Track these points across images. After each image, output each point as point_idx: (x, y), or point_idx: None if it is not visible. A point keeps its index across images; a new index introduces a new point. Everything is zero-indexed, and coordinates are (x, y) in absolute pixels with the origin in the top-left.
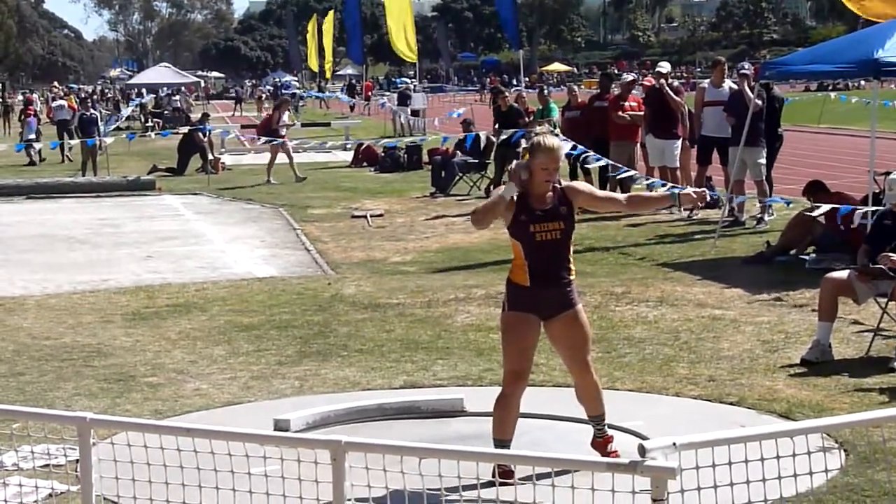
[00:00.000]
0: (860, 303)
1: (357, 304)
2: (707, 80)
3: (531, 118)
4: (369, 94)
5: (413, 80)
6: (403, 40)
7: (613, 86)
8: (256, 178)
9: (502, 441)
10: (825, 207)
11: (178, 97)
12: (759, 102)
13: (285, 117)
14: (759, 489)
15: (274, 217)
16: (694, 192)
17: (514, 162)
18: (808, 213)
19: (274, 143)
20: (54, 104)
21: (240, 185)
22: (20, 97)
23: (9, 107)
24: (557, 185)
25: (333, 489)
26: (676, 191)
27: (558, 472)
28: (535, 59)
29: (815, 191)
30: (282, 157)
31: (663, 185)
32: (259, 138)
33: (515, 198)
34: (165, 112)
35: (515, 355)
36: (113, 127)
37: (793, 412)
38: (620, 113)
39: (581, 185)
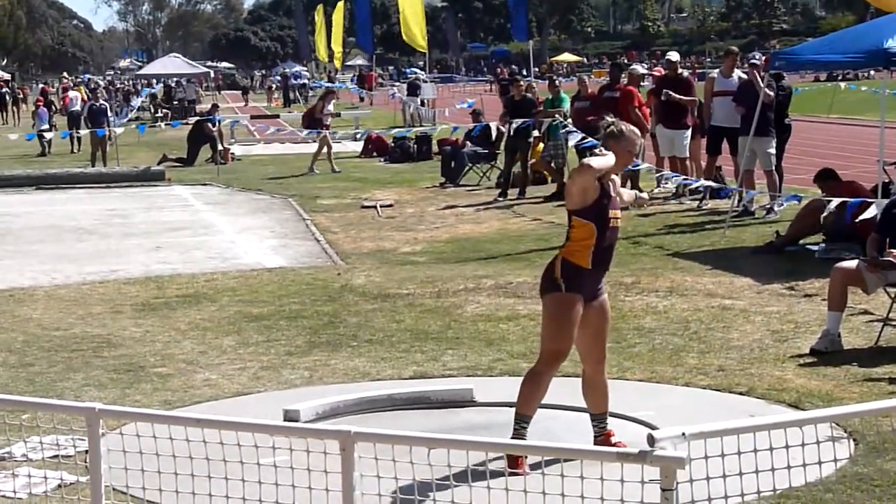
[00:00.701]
0: (870, 292)
1: (367, 295)
2: (717, 70)
3: (541, 108)
4: (372, 85)
5: (422, 70)
6: (416, 29)
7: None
8: (266, 169)
9: (526, 417)
10: (836, 201)
11: (181, 87)
12: (771, 93)
13: (330, 107)
14: (768, 479)
15: (283, 207)
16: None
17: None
18: (819, 201)
19: (318, 133)
20: (70, 94)
21: (249, 176)
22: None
23: (17, 97)
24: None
25: (343, 479)
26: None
27: (567, 461)
28: (545, 50)
29: (826, 178)
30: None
31: (675, 177)
32: (303, 129)
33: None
34: (174, 102)
35: (566, 335)
36: (125, 119)
37: (802, 402)
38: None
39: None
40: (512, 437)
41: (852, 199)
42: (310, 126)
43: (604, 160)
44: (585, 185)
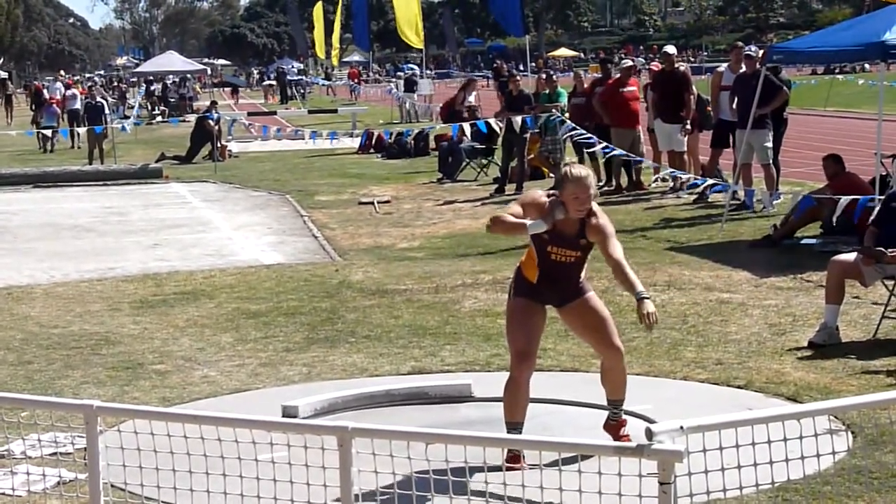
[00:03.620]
0: (867, 285)
1: (365, 291)
2: (725, 65)
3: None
4: (354, 80)
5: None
6: (407, 26)
7: (614, 70)
8: (263, 166)
9: (514, 424)
10: (844, 200)
11: (185, 84)
12: (787, 90)
13: (471, 98)
14: (766, 472)
15: (281, 204)
16: (649, 313)
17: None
18: (816, 196)
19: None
20: (68, 93)
21: (247, 173)
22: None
23: (10, 95)
24: (588, 217)
25: (340, 475)
26: (644, 297)
27: (566, 456)
28: (542, 45)
29: (833, 163)
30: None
31: (672, 174)
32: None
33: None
34: (171, 100)
35: (519, 335)
36: (121, 117)
37: (800, 395)
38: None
39: (607, 228)
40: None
41: (857, 197)
42: (449, 119)
43: (517, 221)
44: (507, 234)
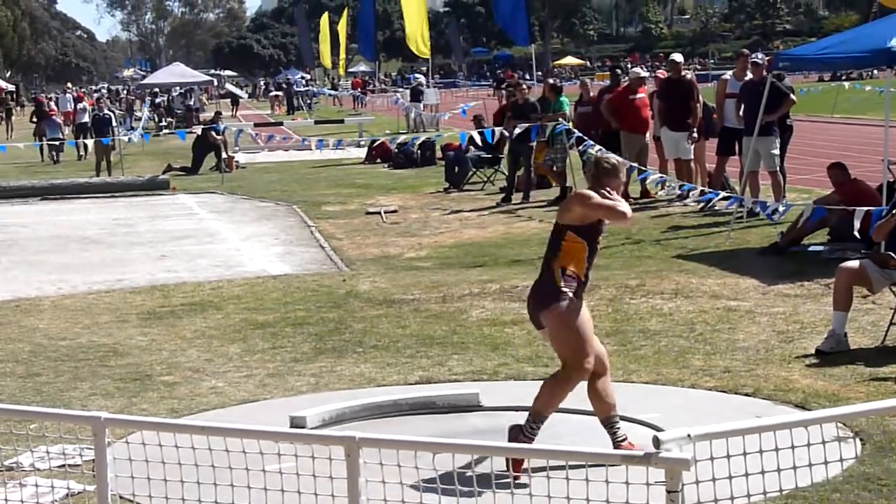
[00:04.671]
0: (875, 292)
1: (372, 301)
2: (730, 72)
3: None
4: (358, 90)
5: (425, 75)
6: (418, 36)
7: (624, 79)
8: (270, 177)
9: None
10: (860, 212)
11: (191, 95)
12: (794, 98)
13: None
14: (774, 479)
15: (288, 214)
16: None
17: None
18: (822, 204)
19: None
20: (78, 106)
21: (253, 183)
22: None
23: (11, 109)
24: None
25: (348, 485)
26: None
27: (573, 465)
28: (547, 54)
29: (843, 168)
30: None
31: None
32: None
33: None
34: (178, 111)
35: (591, 340)
36: (128, 129)
37: (808, 402)
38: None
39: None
40: (524, 434)
41: (871, 208)
42: (501, 123)
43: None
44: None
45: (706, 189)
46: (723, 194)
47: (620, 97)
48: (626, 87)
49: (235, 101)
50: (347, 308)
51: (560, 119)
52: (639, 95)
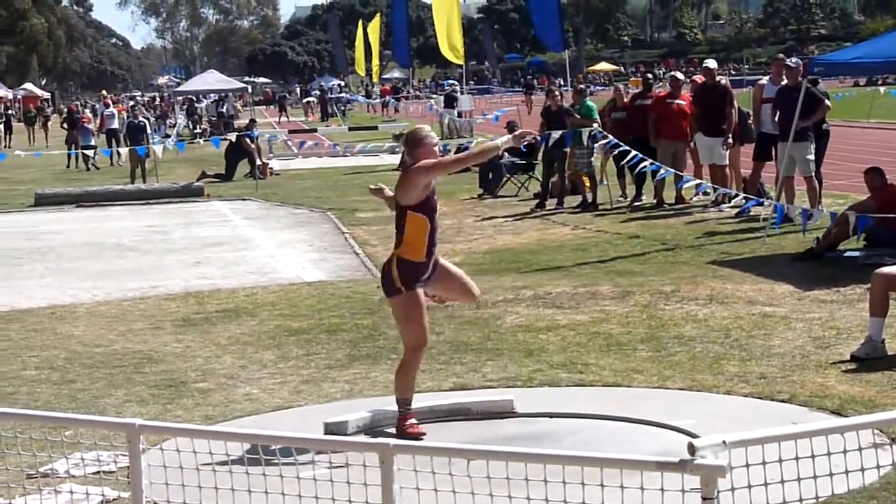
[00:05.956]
0: None
1: None
2: (766, 77)
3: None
4: (385, 97)
5: (458, 82)
6: (447, 42)
7: (657, 85)
8: (304, 183)
9: (408, 401)
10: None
11: (225, 102)
12: (829, 104)
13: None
14: (810, 486)
15: (322, 221)
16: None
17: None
18: (858, 210)
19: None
20: (106, 112)
21: (287, 190)
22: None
23: (48, 117)
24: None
25: (382, 492)
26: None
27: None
28: (581, 59)
29: (876, 176)
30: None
31: (714, 188)
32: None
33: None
34: (212, 118)
35: (425, 327)
36: (163, 136)
37: (845, 409)
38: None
39: None
40: (399, 421)
41: None
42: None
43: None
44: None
45: (749, 196)
46: (763, 201)
47: (660, 102)
48: (668, 92)
49: (283, 107)
50: (381, 314)
51: (595, 125)
52: (679, 101)
